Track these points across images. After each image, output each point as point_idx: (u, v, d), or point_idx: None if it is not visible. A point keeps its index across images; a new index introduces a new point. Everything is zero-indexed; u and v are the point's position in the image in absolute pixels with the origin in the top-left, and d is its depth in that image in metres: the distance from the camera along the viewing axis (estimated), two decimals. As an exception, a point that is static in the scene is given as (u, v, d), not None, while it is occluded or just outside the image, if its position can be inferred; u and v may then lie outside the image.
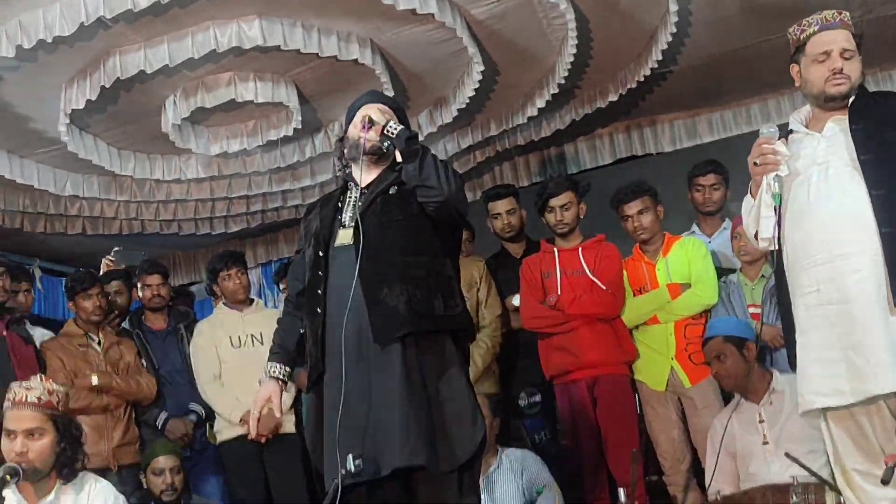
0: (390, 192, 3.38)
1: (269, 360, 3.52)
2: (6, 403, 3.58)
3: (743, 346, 4.31)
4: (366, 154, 3.40)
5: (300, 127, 5.55)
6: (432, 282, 3.28)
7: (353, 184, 3.51)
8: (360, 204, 3.40)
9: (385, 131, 3.30)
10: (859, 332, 3.09)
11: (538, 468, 4.70)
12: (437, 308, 3.25)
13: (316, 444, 3.32)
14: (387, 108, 3.51)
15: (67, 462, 3.51)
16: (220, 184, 6.57)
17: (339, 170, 3.70)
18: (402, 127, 3.33)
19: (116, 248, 5.69)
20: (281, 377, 3.48)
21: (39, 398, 3.49)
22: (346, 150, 3.53)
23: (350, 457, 2.99)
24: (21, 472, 3.29)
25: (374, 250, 3.25)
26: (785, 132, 3.42)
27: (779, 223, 3.30)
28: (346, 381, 3.18)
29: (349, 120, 3.56)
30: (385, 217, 3.32)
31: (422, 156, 3.25)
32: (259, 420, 3.46)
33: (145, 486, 4.88)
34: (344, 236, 3.37)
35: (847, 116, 3.29)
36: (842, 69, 3.28)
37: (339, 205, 3.49)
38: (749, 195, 3.45)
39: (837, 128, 3.29)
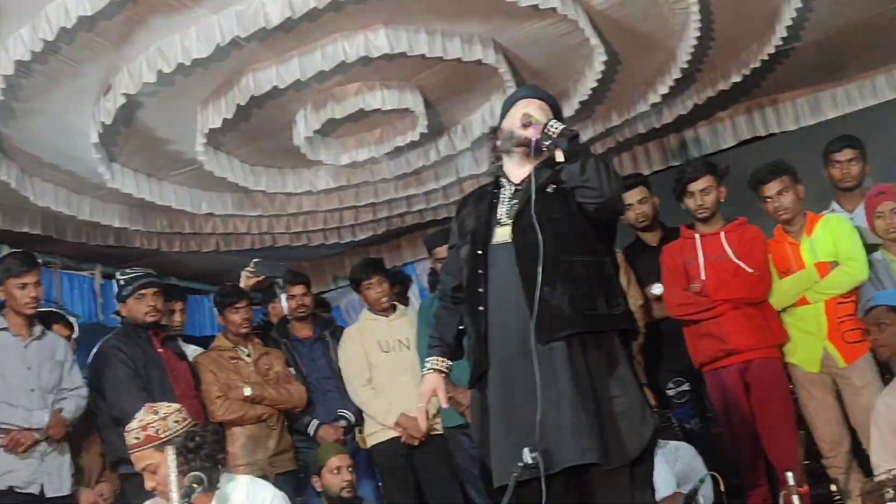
0: (548, 190, 3.35)
1: (430, 353, 3.55)
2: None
3: None
4: (519, 146, 3.40)
5: (426, 131, 5.61)
6: (594, 281, 3.26)
7: (505, 180, 3.50)
8: (515, 202, 3.39)
9: (546, 130, 3.28)
10: None
11: (690, 459, 4.66)
12: (601, 307, 3.23)
13: (484, 441, 3.32)
14: (545, 105, 3.49)
15: (203, 472, 3.49)
16: (347, 193, 6.69)
17: (492, 163, 3.67)
18: (564, 126, 3.30)
19: (256, 260, 5.81)
20: (443, 369, 3.50)
21: (137, 438, 3.54)
22: (499, 143, 3.52)
23: (526, 450, 2.99)
24: (204, 480, 3.37)
25: (534, 249, 3.22)
26: None
27: None
28: (513, 379, 3.19)
29: (504, 113, 3.55)
30: (544, 216, 3.28)
31: (584, 156, 3.23)
32: (427, 413, 3.51)
33: (318, 488, 5.02)
34: (502, 234, 3.36)
35: None
36: None
37: (494, 201, 3.47)
38: None
39: None
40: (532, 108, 3.41)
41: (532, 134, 3.31)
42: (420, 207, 7.15)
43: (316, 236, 7.42)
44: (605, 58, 5.19)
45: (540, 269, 3.19)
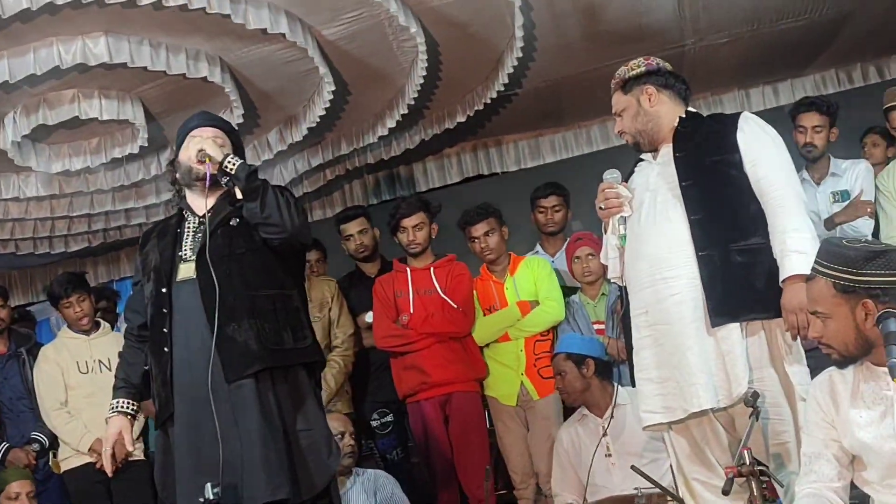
0: (231, 224, 3.31)
1: (115, 395, 3.44)
2: None
3: (582, 362, 4.46)
4: (198, 181, 3.34)
5: (146, 144, 5.44)
6: (280, 315, 3.25)
7: (189, 212, 3.43)
8: (199, 235, 3.32)
9: (224, 167, 3.23)
10: (679, 352, 3.24)
11: (391, 488, 4.73)
12: (287, 341, 3.23)
13: (166, 484, 3.27)
14: (220, 132, 3.43)
15: None
16: (60, 202, 6.35)
17: (173, 195, 3.60)
18: (241, 162, 3.25)
19: None
20: (129, 412, 3.42)
21: None
22: (178, 175, 3.45)
23: (209, 485, 2.95)
24: None
25: (219, 285, 3.17)
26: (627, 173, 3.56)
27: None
28: (199, 420, 3.14)
29: (180, 143, 3.46)
30: (228, 250, 3.25)
31: (262, 193, 3.20)
32: (112, 456, 3.39)
33: None
34: (186, 270, 3.29)
35: None
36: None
37: (179, 232, 3.39)
38: (603, 232, 3.58)
39: (669, 154, 3.41)
40: (207, 141, 3.31)
41: (208, 170, 3.25)
42: (140, 221, 6.90)
43: (25, 244, 6.99)
44: (333, 87, 5.22)
45: (217, 308, 3.15)
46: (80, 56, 4.52)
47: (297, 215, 3.26)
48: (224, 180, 3.25)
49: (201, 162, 3.27)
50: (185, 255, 3.33)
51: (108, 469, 3.41)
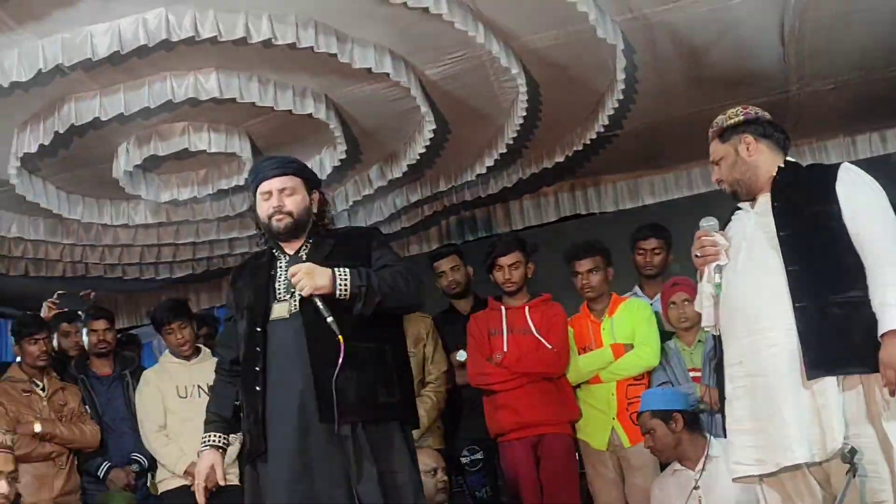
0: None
1: (206, 429, 3.50)
2: None
3: (669, 418, 4.36)
4: (281, 235, 3.39)
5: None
6: (377, 368, 3.26)
7: (280, 252, 3.46)
8: None
9: (339, 298, 3.18)
10: (774, 404, 3.17)
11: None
12: (381, 396, 3.24)
13: None
14: (286, 178, 3.40)
15: None
16: (167, 230, 6.58)
17: (260, 236, 3.60)
18: (349, 282, 3.18)
19: (60, 291, 5.63)
20: (220, 445, 3.47)
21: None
22: (259, 225, 3.50)
23: None
24: None
25: (317, 330, 3.19)
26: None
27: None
28: (291, 459, 3.18)
29: (254, 191, 3.47)
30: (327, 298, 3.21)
31: (382, 300, 3.20)
32: (205, 489, 3.44)
33: None
34: (280, 310, 3.33)
35: None
36: None
37: (272, 273, 3.42)
38: (698, 279, 3.55)
39: (767, 203, 3.37)
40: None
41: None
42: (243, 250, 7.07)
43: (132, 270, 7.25)
44: (434, 126, 5.30)
45: (318, 351, 3.19)
46: (191, 91, 4.68)
47: (414, 291, 3.31)
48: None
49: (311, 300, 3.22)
50: (280, 294, 3.36)
51: (201, 501, 3.45)
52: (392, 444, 3.26)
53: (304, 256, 3.38)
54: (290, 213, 3.35)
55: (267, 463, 3.27)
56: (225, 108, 5.00)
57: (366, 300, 3.18)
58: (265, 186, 3.41)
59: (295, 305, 3.29)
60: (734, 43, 5.03)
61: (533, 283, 5.14)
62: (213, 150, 5.23)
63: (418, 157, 5.70)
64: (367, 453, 3.16)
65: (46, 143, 4.87)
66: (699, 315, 4.52)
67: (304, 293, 3.17)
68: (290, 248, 3.44)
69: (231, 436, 3.55)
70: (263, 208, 3.40)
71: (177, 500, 5.13)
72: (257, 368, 3.28)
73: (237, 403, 3.45)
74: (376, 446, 3.20)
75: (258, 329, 3.32)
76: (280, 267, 3.42)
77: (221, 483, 3.50)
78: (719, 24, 4.82)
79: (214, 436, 3.47)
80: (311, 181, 3.51)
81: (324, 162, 5.72)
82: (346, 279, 3.17)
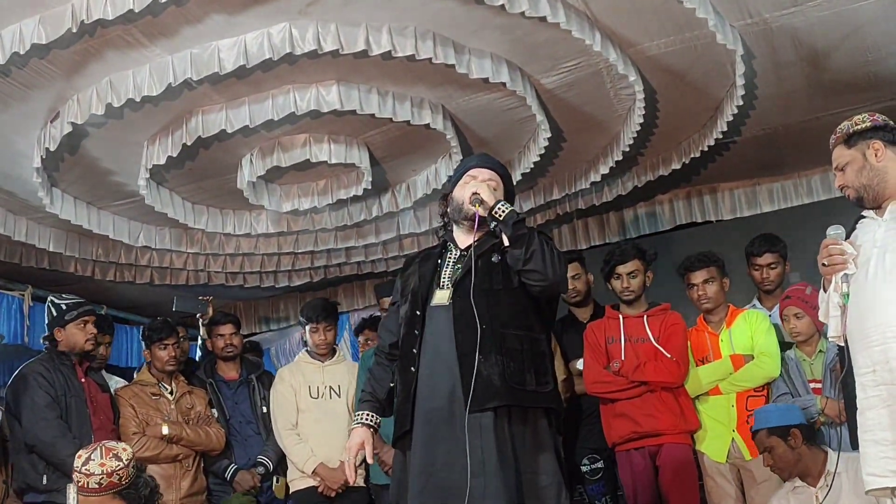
0: (493, 259, 3.43)
1: (359, 408, 3.61)
2: (75, 476, 3.66)
3: (788, 434, 4.27)
4: (466, 220, 3.51)
5: (369, 187, 5.69)
6: (527, 356, 3.32)
7: (452, 244, 3.59)
8: (458, 266, 3.47)
9: (493, 212, 3.38)
10: None
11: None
12: (529, 383, 3.29)
13: (400, 500, 3.37)
14: (496, 176, 3.60)
15: None
16: (287, 239, 6.74)
17: (440, 226, 3.79)
18: (511, 209, 3.39)
19: (178, 294, 5.80)
20: (372, 424, 3.55)
21: (100, 483, 3.57)
22: (449, 210, 3.64)
23: None
24: None
25: (471, 317, 3.28)
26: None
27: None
28: (436, 441, 3.25)
29: (457, 179, 3.65)
30: (486, 285, 3.36)
31: (528, 241, 3.31)
32: (355, 466, 3.52)
33: None
34: (441, 297, 3.44)
35: None
36: None
37: (440, 262, 3.56)
38: (822, 289, 3.48)
39: None
40: (483, 185, 3.47)
41: (478, 213, 3.41)
42: (359, 259, 7.21)
43: (252, 278, 7.44)
44: (549, 134, 5.30)
45: (467, 338, 3.26)
46: (313, 103, 4.78)
47: (559, 266, 3.37)
48: (492, 225, 3.41)
49: (473, 204, 3.44)
50: (443, 282, 3.49)
51: (351, 478, 3.51)
52: (537, 439, 3.28)
53: (473, 249, 3.47)
54: (486, 204, 3.45)
55: (411, 448, 3.34)
56: (344, 119, 5.10)
57: (515, 227, 3.33)
58: (476, 171, 3.61)
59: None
60: (858, 46, 4.90)
61: (651, 292, 5.09)
62: (333, 160, 5.34)
63: (532, 166, 5.71)
64: (509, 449, 3.20)
65: (174, 154, 5.04)
66: (811, 328, 4.55)
67: (478, 190, 3.41)
68: (462, 243, 3.57)
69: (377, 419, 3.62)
70: (465, 190, 3.54)
71: (304, 500, 5.23)
72: (414, 350, 3.41)
73: (392, 386, 3.56)
74: (521, 441, 3.24)
75: (418, 313, 3.45)
76: (449, 258, 3.56)
77: (370, 460, 3.57)
78: (843, 27, 4.70)
79: (367, 414, 3.57)
80: (510, 193, 3.69)
81: (439, 171, 5.80)
82: (509, 207, 3.41)
